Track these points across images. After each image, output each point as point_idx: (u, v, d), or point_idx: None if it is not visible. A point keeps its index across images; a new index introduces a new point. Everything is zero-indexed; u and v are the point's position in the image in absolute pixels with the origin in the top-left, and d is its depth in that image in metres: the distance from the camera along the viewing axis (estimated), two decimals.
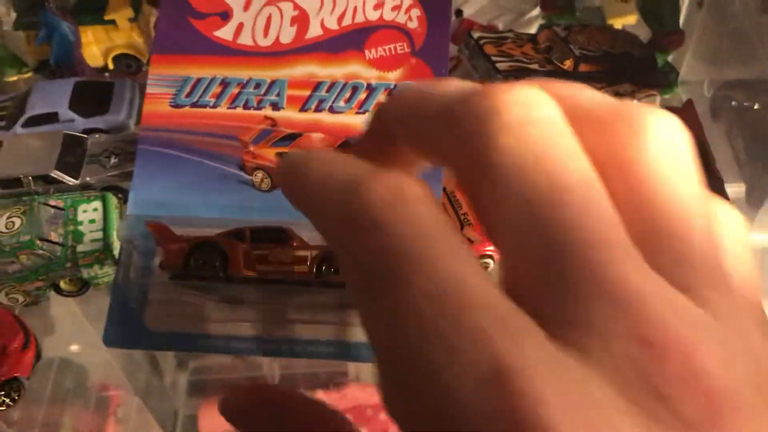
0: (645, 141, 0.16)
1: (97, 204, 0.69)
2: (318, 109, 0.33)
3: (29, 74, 0.89)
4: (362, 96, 0.33)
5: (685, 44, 0.77)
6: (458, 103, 0.16)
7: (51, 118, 0.78)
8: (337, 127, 0.32)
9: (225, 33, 0.33)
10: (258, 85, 0.33)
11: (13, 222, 0.65)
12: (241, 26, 0.33)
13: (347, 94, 0.33)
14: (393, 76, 0.33)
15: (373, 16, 0.34)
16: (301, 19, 0.33)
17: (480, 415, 0.13)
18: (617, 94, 0.73)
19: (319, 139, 0.33)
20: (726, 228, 0.17)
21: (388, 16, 0.34)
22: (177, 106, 0.32)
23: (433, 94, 0.18)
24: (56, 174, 0.71)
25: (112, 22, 0.81)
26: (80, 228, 0.67)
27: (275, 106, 0.33)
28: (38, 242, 0.64)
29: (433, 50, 0.33)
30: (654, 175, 0.16)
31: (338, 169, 0.17)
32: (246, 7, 0.33)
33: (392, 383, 0.15)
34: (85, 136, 0.76)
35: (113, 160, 0.74)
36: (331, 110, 0.33)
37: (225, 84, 0.32)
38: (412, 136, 0.18)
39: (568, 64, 0.70)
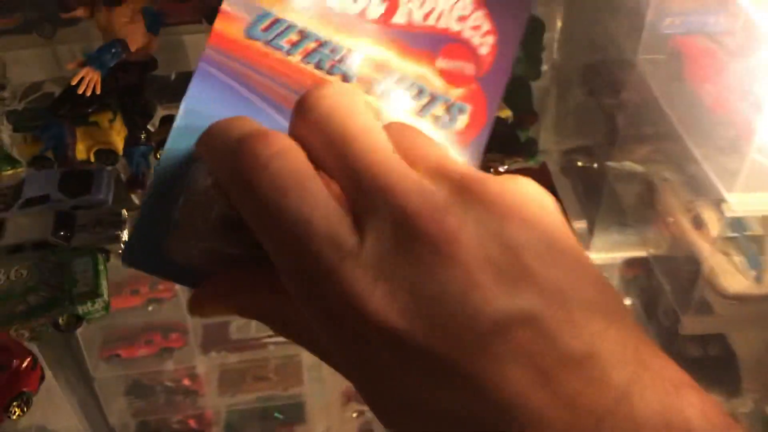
0: None
1: (87, 259, 0.87)
2: (380, 97, 0.32)
3: (22, 169, 1.08)
4: (425, 101, 0.33)
5: (541, 122, 1.01)
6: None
7: (43, 199, 0.96)
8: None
9: None
10: (334, 50, 0.31)
11: (21, 273, 0.83)
12: None
13: (414, 93, 0.32)
14: (454, 93, 0.33)
15: (454, 26, 0.33)
16: (392, 0, 0.32)
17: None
18: (491, 160, 0.97)
19: None
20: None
21: (467, 33, 0.33)
22: (251, 37, 0.30)
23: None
24: (52, 240, 0.89)
25: (96, 123, 1.02)
26: (75, 276, 0.85)
27: (345, 77, 0.31)
28: (42, 286, 0.81)
29: (492, 82, 0.34)
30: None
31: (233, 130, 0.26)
32: None
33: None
34: (74, 211, 0.95)
35: (98, 228, 0.92)
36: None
37: (304, 35, 0.31)
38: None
39: None
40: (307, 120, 0.26)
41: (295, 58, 0.30)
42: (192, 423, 1.57)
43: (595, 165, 0.98)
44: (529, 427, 0.22)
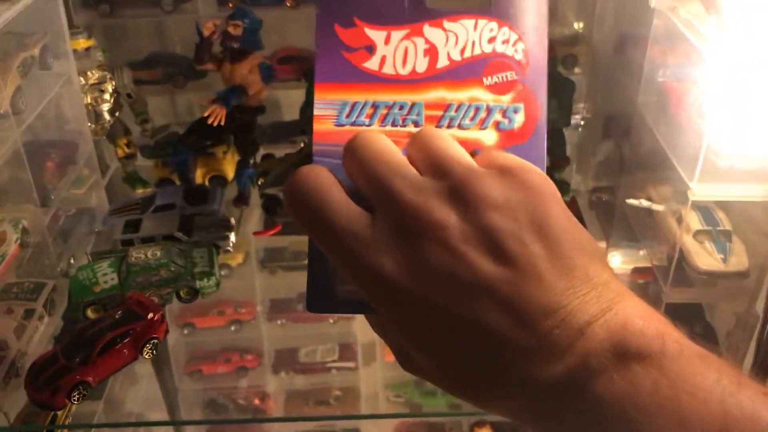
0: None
1: (204, 249, 1.11)
2: (449, 126, 0.38)
3: (150, 189, 1.34)
4: (483, 115, 0.38)
5: (572, 165, 1.23)
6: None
7: (171, 206, 1.22)
8: (465, 141, 0.37)
9: (372, 64, 0.39)
10: (401, 107, 0.38)
11: (155, 253, 1.07)
12: (384, 58, 0.39)
13: (471, 114, 0.38)
14: (506, 99, 0.39)
15: (487, 48, 0.39)
16: (432, 52, 0.39)
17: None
18: None
19: None
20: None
21: (500, 48, 0.39)
22: (340, 125, 0.38)
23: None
24: (177, 235, 1.14)
25: (213, 153, 1.29)
26: (195, 260, 1.09)
27: (416, 124, 0.38)
28: (171, 263, 1.05)
29: (534, 78, 0.39)
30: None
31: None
32: (386, 42, 0.39)
33: None
34: (194, 217, 1.19)
35: (212, 229, 1.17)
36: (460, 127, 0.38)
37: (375, 106, 0.39)
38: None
39: None
40: (346, 157, 0.36)
41: (376, 126, 0.38)
42: None
43: (616, 202, 1.19)
44: (508, 352, 0.30)
